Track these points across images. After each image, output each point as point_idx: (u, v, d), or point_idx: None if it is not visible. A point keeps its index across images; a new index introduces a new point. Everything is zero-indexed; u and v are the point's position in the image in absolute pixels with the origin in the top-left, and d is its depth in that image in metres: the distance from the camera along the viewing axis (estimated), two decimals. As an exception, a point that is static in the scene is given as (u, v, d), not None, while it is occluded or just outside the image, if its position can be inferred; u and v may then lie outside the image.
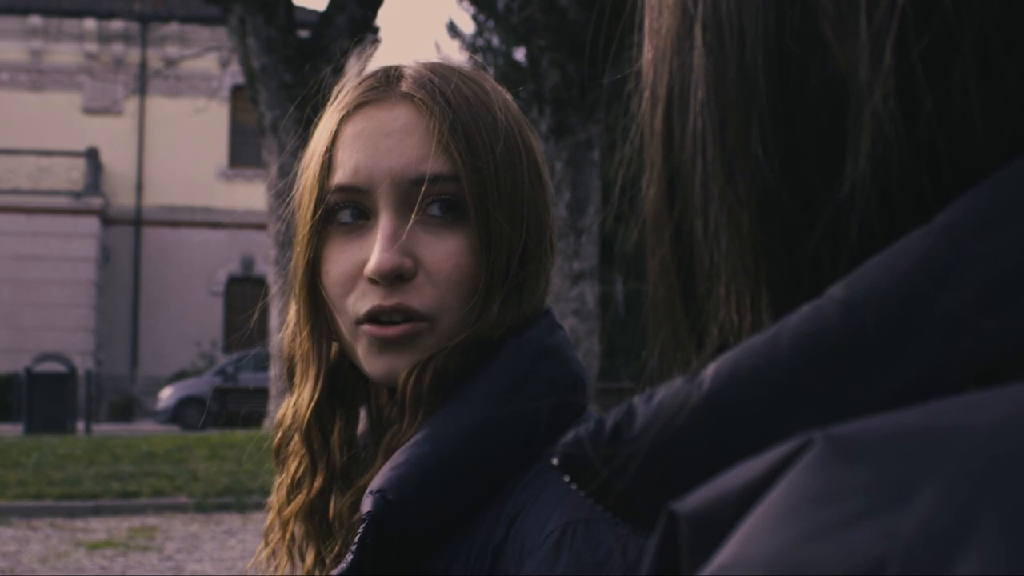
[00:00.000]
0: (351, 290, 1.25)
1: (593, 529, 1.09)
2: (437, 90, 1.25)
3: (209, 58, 35.90)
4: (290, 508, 1.30)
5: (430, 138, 1.23)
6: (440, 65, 1.31)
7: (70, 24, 37.97)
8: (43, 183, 35.94)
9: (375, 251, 1.22)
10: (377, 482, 1.14)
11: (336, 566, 1.20)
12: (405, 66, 1.31)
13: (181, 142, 37.76)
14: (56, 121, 37.29)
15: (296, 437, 1.31)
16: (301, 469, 1.30)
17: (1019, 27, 0.45)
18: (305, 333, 1.31)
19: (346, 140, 1.28)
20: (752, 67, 0.50)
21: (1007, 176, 0.44)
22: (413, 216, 1.22)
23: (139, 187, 37.84)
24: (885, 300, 0.44)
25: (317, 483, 1.29)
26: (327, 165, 1.28)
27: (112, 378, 35.35)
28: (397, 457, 1.16)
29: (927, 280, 0.43)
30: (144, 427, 28.79)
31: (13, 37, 37.88)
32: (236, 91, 36.91)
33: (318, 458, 1.29)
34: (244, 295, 37.91)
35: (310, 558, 1.30)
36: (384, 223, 1.23)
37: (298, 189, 1.34)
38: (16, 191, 35.36)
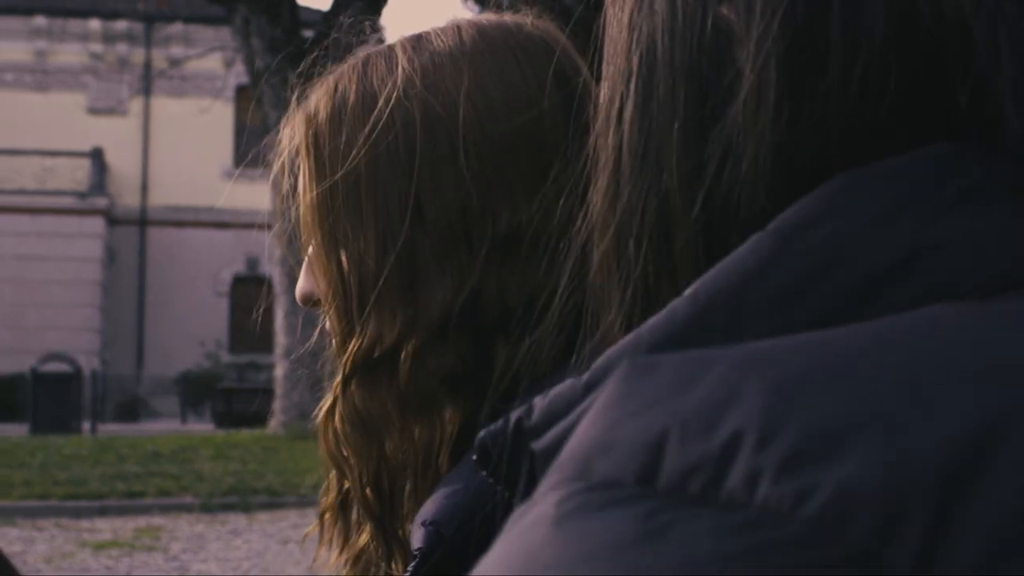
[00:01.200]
0: None
1: None
2: (315, 109, 1.20)
3: (213, 58, 35.92)
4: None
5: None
6: (353, 66, 1.22)
7: (75, 24, 38.02)
8: (48, 183, 35.98)
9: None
10: (429, 511, 1.07)
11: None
12: (329, 73, 1.26)
13: (186, 142, 37.79)
14: (61, 121, 37.33)
15: None
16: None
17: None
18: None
19: None
20: (672, 93, 0.61)
21: (826, 187, 0.55)
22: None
23: (144, 187, 37.89)
24: (722, 293, 0.54)
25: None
26: None
27: (117, 378, 35.37)
28: (451, 480, 1.08)
29: (753, 273, 0.54)
30: (149, 427, 28.81)
31: (18, 37, 37.92)
32: (240, 91, 36.97)
33: None
34: (249, 295, 37.93)
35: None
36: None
37: None
38: (21, 191, 35.39)
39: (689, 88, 0.60)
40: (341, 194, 1.14)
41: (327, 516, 1.24)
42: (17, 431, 24.29)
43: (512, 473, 0.60)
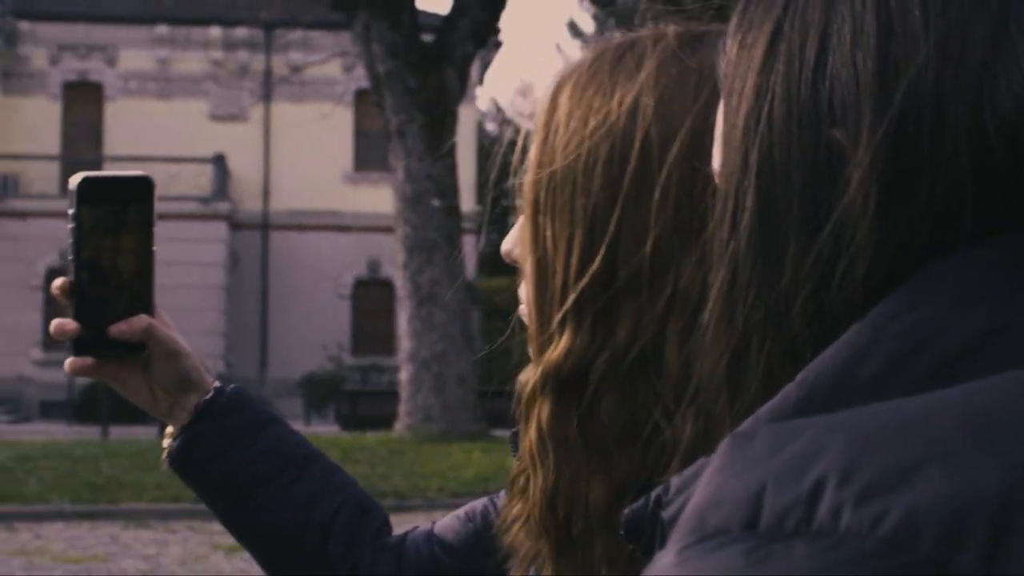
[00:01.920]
0: None
1: None
2: (556, 84, 1.13)
3: (332, 63, 36.21)
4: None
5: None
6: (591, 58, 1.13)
7: (196, 32, 38.56)
8: (172, 189, 36.49)
9: None
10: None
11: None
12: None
13: (306, 147, 38.14)
14: (184, 128, 37.86)
15: None
16: None
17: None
18: None
19: None
20: (787, 196, 0.70)
21: (913, 281, 0.65)
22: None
23: (265, 192, 38.31)
24: (825, 376, 0.64)
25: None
26: None
27: (241, 381, 35.39)
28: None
29: (851, 359, 0.64)
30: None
31: (141, 46, 38.54)
32: (360, 95, 37.21)
33: None
34: (371, 298, 38.22)
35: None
36: None
37: None
38: (147, 198, 35.91)
39: (803, 202, 0.68)
40: (558, 183, 1.07)
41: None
42: (146, 433, 24.68)
43: (651, 542, 0.69)
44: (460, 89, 21.43)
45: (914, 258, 0.66)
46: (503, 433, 23.99)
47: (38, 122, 37.84)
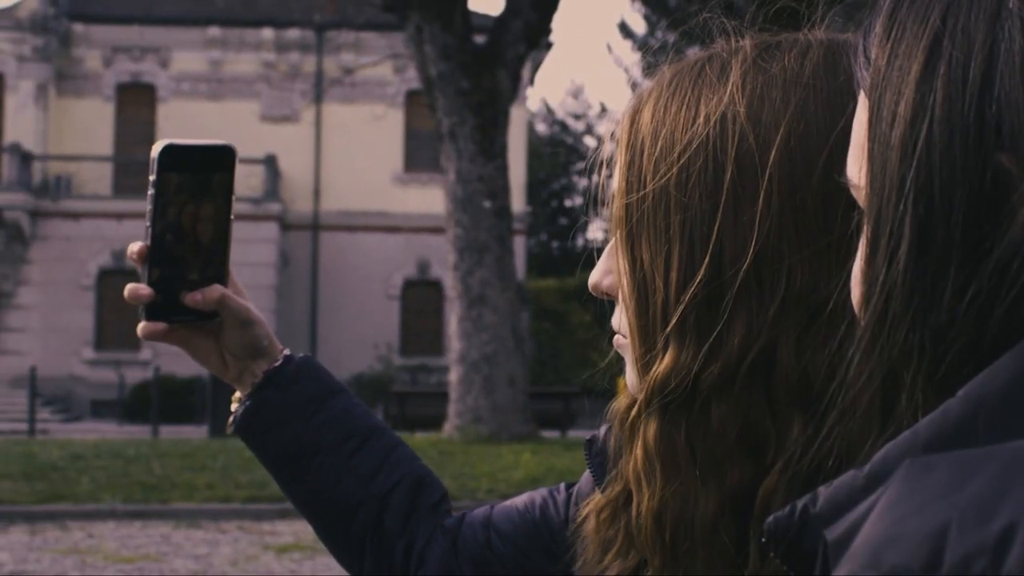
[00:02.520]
0: None
1: None
2: (638, 103, 1.13)
3: (383, 64, 36.32)
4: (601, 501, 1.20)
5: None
6: (682, 66, 1.13)
7: (248, 34, 38.77)
8: (224, 190, 36.73)
9: None
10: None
11: None
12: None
13: (357, 148, 38.28)
14: (235, 129, 38.03)
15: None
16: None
17: None
18: None
19: None
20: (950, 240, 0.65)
21: None
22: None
23: (316, 192, 38.46)
24: (991, 394, 0.60)
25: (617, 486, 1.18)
26: None
27: (291, 381, 35.90)
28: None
29: (1021, 376, 0.60)
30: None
31: (193, 48, 38.79)
32: (411, 96, 37.32)
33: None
34: (420, 298, 38.29)
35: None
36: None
37: None
38: (198, 198, 36.20)
39: (965, 233, 0.64)
40: (651, 204, 1.07)
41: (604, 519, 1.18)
42: (196, 433, 24.82)
43: (796, 556, 0.67)
44: (512, 90, 21.43)
45: None
46: (552, 434, 24.03)
47: (91, 123, 38.16)
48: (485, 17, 27.10)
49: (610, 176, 1.14)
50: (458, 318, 20.91)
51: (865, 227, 0.71)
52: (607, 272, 1.15)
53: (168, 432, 25.07)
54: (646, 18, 33.29)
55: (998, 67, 0.64)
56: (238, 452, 19.07)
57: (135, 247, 1.46)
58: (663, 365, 1.06)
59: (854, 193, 0.75)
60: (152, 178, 1.43)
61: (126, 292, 1.45)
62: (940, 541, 0.54)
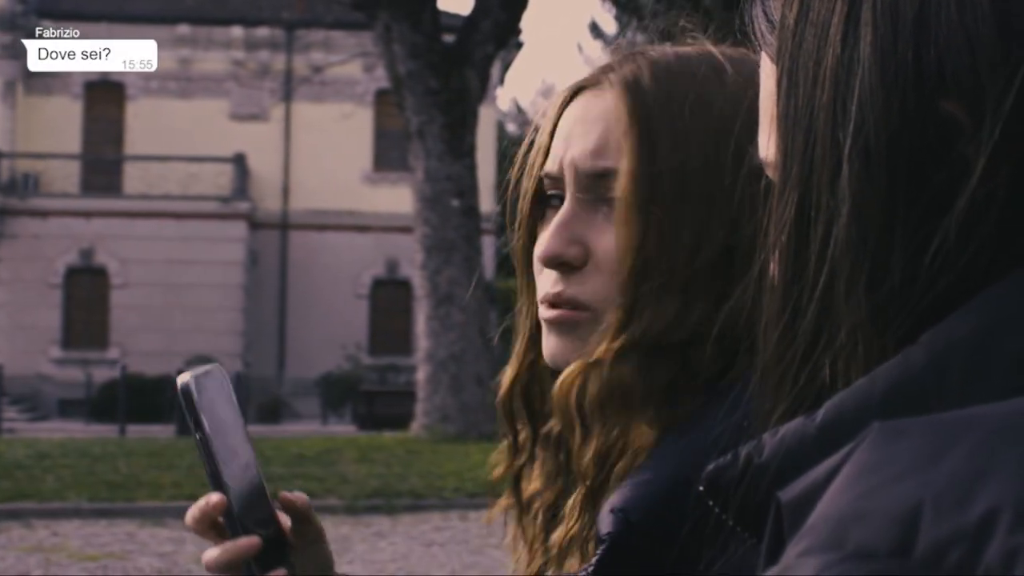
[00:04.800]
0: (540, 272, 1.25)
1: None
2: (636, 80, 1.20)
3: (353, 63, 36.27)
4: (500, 470, 1.31)
5: (617, 130, 1.19)
6: (678, 55, 1.23)
7: (218, 32, 38.64)
8: (192, 188, 36.64)
9: (544, 237, 1.22)
10: (619, 499, 1.09)
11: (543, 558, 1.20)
12: (643, 52, 1.25)
13: (326, 147, 38.19)
14: (204, 128, 37.94)
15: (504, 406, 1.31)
16: (518, 438, 1.31)
17: None
18: (522, 307, 1.32)
19: (561, 124, 1.26)
20: (894, 186, 0.61)
21: None
22: (564, 203, 1.23)
23: (285, 191, 38.37)
24: (962, 345, 0.55)
25: (522, 455, 1.29)
26: (546, 148, 1.27)
27: (259, 380, 35.82)
28: (643, 469, 1.11)
29: (998, 325, 0.55)
30: (291, 428, 29.15)
31: (162, 46, 38.38)
32: (380, 95, 37.24)
33: (521, 429, 1.30)
34: (389, 298, 38.25)
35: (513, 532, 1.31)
36: (562, 210, 1.22)
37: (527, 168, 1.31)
38: (167, 197, 36.13)
39: (912, 190, 0.59)
40: (666, 175, 1.16)
41: (514, 514, 1.29)
42: (164, 433, 24.72)
43: (739, 509, 0.63)
44: (481, 90, 21.43)
45: None
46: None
47: (59, 121, 37.97)
48: (454, 16, 27.05)
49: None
50: (426, 317, 20.91)
51: (780, 201, 0.66)
52: (571, 242, 1.20)
53: (135, 431, 24.95)
54: (617, 18, 33.31)
55: (931, 5, 0.59)
56: (205, 451, 19.02)
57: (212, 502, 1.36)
58: (663, 319, 1.15)
59: (768, 172, 0.70)
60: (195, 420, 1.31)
61: (223, 554, 1.34)
62: (912, 523, 0.47)
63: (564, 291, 1.20)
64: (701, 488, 0.65)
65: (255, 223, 37.38)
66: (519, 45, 36.29)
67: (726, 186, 1.12)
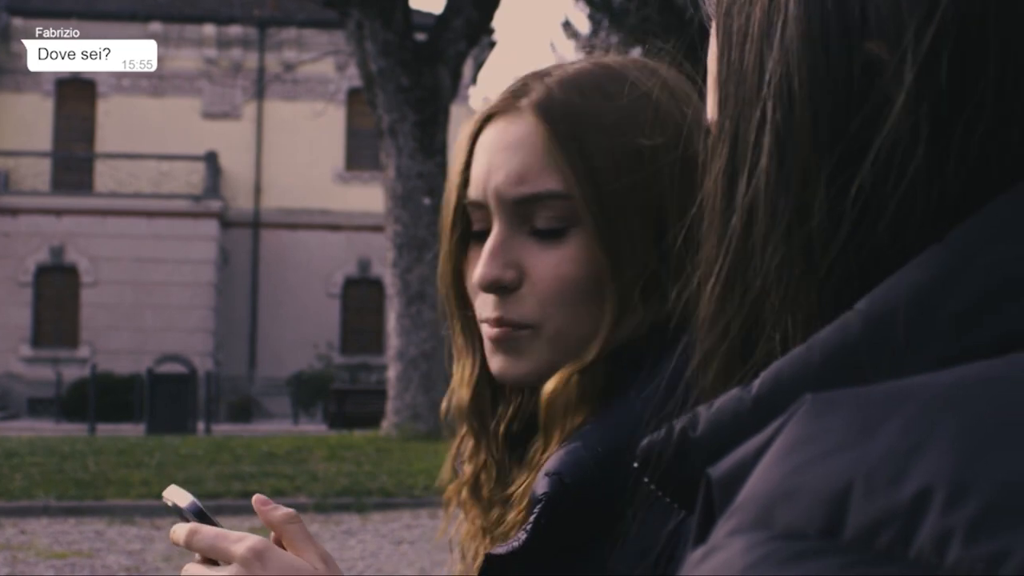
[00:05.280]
0: (476, 295, 1.30)
1: None
2: (556, 101, 1.24)
3: (325, 61, 36.24)
4: (454, 484, 1.37)
5: (539, 154, 1.23)
6: (580, 71, 1.28)
7: (190, 30, 38.53)
8: (164, 187, 36.54)
9: (479, 263, 1.26)
10: (552, 464, 1.16)
11: (500, 543, 1.23)
12: (547, 73, 1.29)
13: (298, 145, 38.14)
14: (176, 126, 37.85)
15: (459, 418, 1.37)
16: (467, 446, 1.36)
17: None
18: (457, 329, 1.35)
19: (477, 151, 1.29)
20: (818, 118, 0.60)
21: (1007, 198, 0.54)
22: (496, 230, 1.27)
23: (257, 190, 38.29)
24: (900, 308, 0.53)
25: (480, 460, 1.34)
26: (465, 176, 1.31)
27: (231, 379, 35.78)
28: (573, 440, 1.18)
29: (933, 288, 0.53)
30: (262, 427, 29.11)
31: (134, 43, 38.48)
32: (352, 94, 37.21)
33: (479, 437, 1.35)
34: (361, 297, 38.22)
35: (469, 529, 1.36)
36: (492, 236, 1.26)
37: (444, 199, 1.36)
38: (138, 195, 36.00)
39: (832, 129, 0.59)
40: (622, 188, 1.22)
41: (463, 498, 1.35)
42: (134, 431, 24.65)
43: (673, 485, 0.63)
44: (453, 88, 21.43)
45: (974, 186, 0.56)
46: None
47: (30, 119, 37.81)
48: (427, 15, 27.06)
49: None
50: (397, 315, 20.88)
51: (713, 156, 0.67)
52: (506, 266, 1.25)
53: (105, 430, 24.87)
54: (590, 17, 33.31)
55: None
56: (174, 449, 18.99)
57: None
58: (634, 317, 1.22)
59: (713, 135, 0.69)
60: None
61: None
62: (842, 502, 0.45)
63: (504, 315, 1.26)
64: (635, 464, 0.65)
65: (227, 221, 37.29)
66: (492, 44, 36.34)
67: (654, 180, 1.20)
